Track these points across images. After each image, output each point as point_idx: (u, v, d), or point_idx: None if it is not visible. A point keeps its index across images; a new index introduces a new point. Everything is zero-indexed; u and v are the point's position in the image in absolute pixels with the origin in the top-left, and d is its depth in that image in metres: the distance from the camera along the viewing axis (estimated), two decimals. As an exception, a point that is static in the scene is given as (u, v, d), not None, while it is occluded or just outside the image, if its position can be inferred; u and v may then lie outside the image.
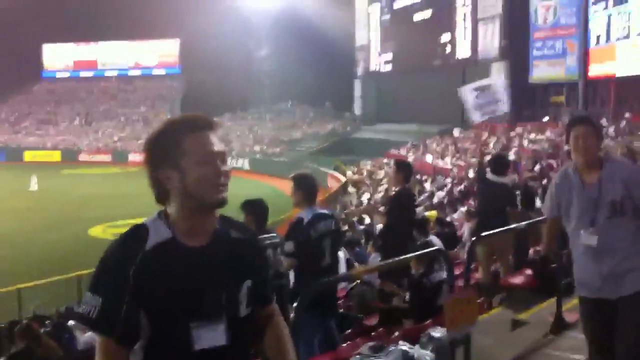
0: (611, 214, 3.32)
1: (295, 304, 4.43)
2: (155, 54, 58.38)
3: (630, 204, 3.33)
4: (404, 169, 7.11)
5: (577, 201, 3.38)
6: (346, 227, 12.50)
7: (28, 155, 48.36)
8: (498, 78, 8.25)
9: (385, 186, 20.95)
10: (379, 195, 19.44)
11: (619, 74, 24.19)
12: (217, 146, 1.92)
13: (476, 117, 7.76)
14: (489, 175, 7.15)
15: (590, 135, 3.40)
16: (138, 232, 1.89)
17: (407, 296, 5.72)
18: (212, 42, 47.92)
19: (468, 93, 7.75)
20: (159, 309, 1.83)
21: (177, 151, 1.88)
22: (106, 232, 21.09)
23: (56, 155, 48.58)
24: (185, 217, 1.91)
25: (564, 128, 3.20)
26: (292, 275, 4.96)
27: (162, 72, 58.22)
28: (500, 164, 7.24)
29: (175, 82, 56.87)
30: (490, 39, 31.30)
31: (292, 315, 4.25)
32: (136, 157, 46.40)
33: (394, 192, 7.09)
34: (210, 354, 1.86)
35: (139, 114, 54.58)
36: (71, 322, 8.35)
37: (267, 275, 2.12)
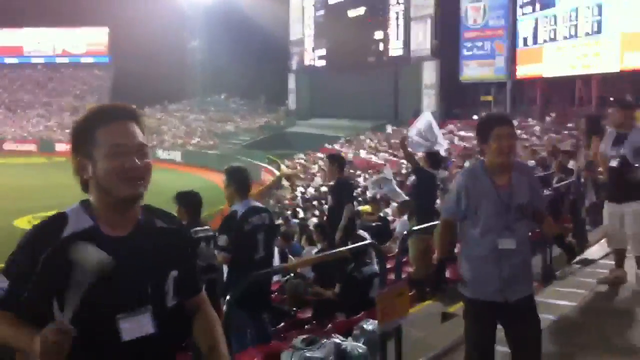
0: (518, 217, 3.30)
1: (227, 298, 4.41)
2: (84, 42, 56.69)
3: (530, 208, 3.35)
4: (337, 160, 7.24)
5: (488, 203, 3.29)
6: (280, 221, 12.49)
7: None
8: (429, 117, 8.67)
9: (319, 180, 21.06)
10: (311, 189, 19.52)
11: (546, 74, 25.06)
12: (133, 138, 1.84)
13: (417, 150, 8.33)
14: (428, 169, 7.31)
15: (513, 136, 3.35)
16: (56, 220, 1.83)
17: (337, 288, 5.76)
18: (143, 32, 46.86)
19: (413, 135, 8.46)
20: (74, 298, 1.76)
21: (90, 141, 1.82)
22: (32, 223, 20.35)
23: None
24: (103, 207, 1.85)
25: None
26: (225, 269, 4.92)
27: (90, 60, 56.62)
28: (435, 159, 7.44)
29: (104, 72, 55.44)
30: (422, 38, 31.85)
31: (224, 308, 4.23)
32: (63, 146, 45.09)
33: (331, 184, 7.18)
34: (139, 344, 1.81)
35: (66, 103, 52.97)
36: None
37: (194, 265, 2.07)
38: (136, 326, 1.82)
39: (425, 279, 6.21)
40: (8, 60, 57.23)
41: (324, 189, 18.61)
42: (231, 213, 4.86)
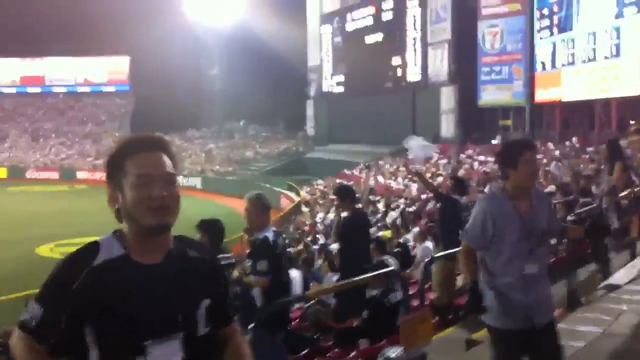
0: (540, 242, 3.31)
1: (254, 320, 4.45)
2: (105, 71, 57.50)
3: (549, 232, 3.37)
4: (346, 194, 7.22)
5: (513, 229, 3.27)
6: (301, 247, 12.48)
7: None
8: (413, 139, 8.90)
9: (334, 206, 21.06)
10: (330, 215, 19.49)
11: (565, 98, 24.96)
12: (160, 167, 1.87)
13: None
14: (453, 195, 7.34)
15: (537, 161, 3.37)
16: (88, 249, 1.88)
17: (365, 315, 5.74)
18: (163, 60, 47.44)
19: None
20: (107, 325, 1.80)
21: (120, 171, 1.86)
22: (54, 250, 20.53)
23: (2, 172, 47.23)
24: (134, 236, 1.88)
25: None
26: (257, 295, 4.92)
27: (111, 89, 57.36)
28: (461, 185, 7.51)
29: (124, 100, 56.10)
30: (440, 63, 31.92)
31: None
32: (84, 174, 45.56)
33: (344, 216, 7.14)
34: None
35: (87, 131, 53.62)
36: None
37: (226, 294, 2.08)
38: (164, 353, 1.83)
39: (449, 306, 6.18)
40: (30, 90, 58.15)
41: (344, 214, 18.58)
42: (264, 238, 4.90)
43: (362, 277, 5.65)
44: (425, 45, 33.04)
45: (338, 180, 26.01)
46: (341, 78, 40.99)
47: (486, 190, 14.77)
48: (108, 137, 51.04)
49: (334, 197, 23.64)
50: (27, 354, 1.86)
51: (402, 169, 25.72)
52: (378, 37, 37.27)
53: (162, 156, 1.90)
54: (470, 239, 3.46)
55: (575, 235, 3.89)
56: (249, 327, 4.62)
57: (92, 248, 1.88)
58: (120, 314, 1.81)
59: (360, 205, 7.97)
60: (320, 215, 20.20)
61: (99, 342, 1.81)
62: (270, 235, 4.92)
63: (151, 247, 1.89)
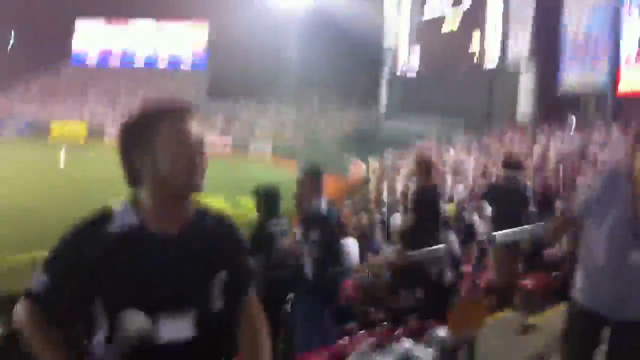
0: None
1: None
2: (184, 40, 58.18)
3: None
4: (425, 166, 6.95)
5: (619, 210, 3.13)
6: (365, 217, 12.39)
7: (55, 131, 48.64)
8: None
9: (405, 177, 20.78)
10: (399, 186, 19.31)
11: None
12: (195, 130, 1.87)
13: None
14: (503, 172, 7.10)
15: None
16: (102, 216, 1.84)
17: (419, 292, 5.61)
18: (241, 31, 47.96)
19: None
20: (119, 297, 1.75)
21: (151, 135, 1.84)
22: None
23: (82, 132, 48.93)
24: (157, 204, 1.84)
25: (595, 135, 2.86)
26: (308, 263, 4.91)
27: (189, 62, 58.20)
28: (512, 159, 7.24)
29: (202, 73, 56.88)
30: (521, 44, 31.07)
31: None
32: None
33: (416, 189, 6.92)
34: (176, 346, 1.78)
35: (167, 98, 54.80)
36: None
37: (245, 265, 2.02)
38: (175, 328, 1.78)
39: (506, 287, 5.96)
40: (111, 61, 59.63)
41: (411, 186, 18.33)
42: (317, 209, 4.88)
43: (419, 252, 5.50)
44: (505, 30, 32.17)
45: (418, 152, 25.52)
46: (417, 60, 40.54)
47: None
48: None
49: (403, 168, 23.46)
50: (33, 324, 1.82)
51: (477, 148, 25.25)
52: (456, 22, 36.50)
53: (193, 121, 1.89)
54: (578, 205, 3.38)
55: None
56: (298, 297, 4.59)
57: (106, 216, 1.83)
58: (131, 286, 1.75)
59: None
60: (386, 187, 20.02)
61: (108, 314, 1.76)
62: (322, 205, 4.90)
63: (170, 216, 1.85)
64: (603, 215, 3.17)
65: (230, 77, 48.70)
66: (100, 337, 1.78)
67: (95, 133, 48.07)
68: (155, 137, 1.83)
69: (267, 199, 5.57)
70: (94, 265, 1.75)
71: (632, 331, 3.10)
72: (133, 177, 1.88)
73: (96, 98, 55.32)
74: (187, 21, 56.74)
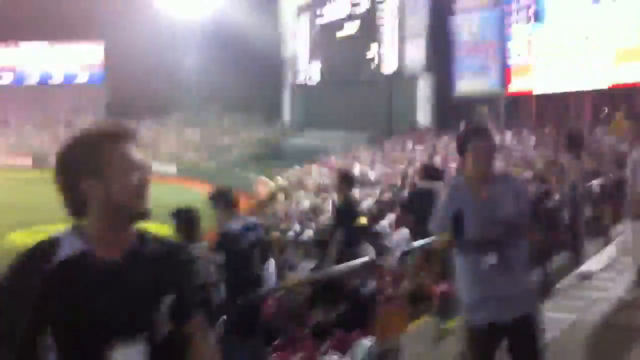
0: (506, 231, 3.22)
1: (220, 321, 4.36)
2: (79, 58, 56.44)
3: (522, 220, 3.28)
4: (347, 179, 7.11)
5: (472, 217, 3.20)
6: (277, 234, 12.44)
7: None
8: None
9: (312, 195, 21.00)
10: (306, 202, 19.47)
11: (538, 90, 25.18)
12: (140, 155, 1.88)
13: None
14: (419, 182, 7.30)
15: (491, 148, 3.32)
16: (47, 244, 1.80)
17: (342, 306, 5.71)
18: (138, 48, 46.87)
19: None
20: (68, 326, 1.73)
21: (100, 160, 1.81)
22: (26, 237, 20.29)
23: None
24: (103, 230, 1.83)
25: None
26: (222, 288, 4.89)
27: (85, 78, 56.41)
28: (433, 172, 7.46)
29: (99, 87, 55.24)
30: (416, 53, 32.03)
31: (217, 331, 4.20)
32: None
33: (338, 202, 7.04)
34: None
35: (61, 118, 52.87)
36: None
37: (191, 288, 2.03)
38: (127, 355, 1.78)
39: (424, 295, 6.17)
40: (3, 80, 56.99)
41: (318, 202, 18.57)
42: (226, 230, 4.85)
43: (339, 267, 5.61)
44: (401, 36, 33.10)
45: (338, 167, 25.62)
46: (317, 69, 40.94)
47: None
48: (82, 124, 50.37)
49: (310, 183, 23.68)
50: None
51: (379, 155, 25.82)
52: (354, 28, 37.21)
53: (135, 145, 1.90)
54: (436, 225, 3.40)
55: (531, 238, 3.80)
56: (217, 326, 4.56)
57: (52, 244, 1.80)
58: (80, 315, 1.74)
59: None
60: (294, 202, 20.16)
61: (59, 345, 1.74)
62: (234, 227, 4.87)
63: (116, 242, 1.84)
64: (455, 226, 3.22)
65: (129, 94, 47.52)
66: None
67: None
68: (104, 162, 1.81)
69: (187, 222, 5.48)
70: (41, 294, 1.72)
71: (517, 328, 3.25)
72: (77, 204, 1.85)
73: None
74: (81, 42, 55.04)
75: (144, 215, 1.86)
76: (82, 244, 1.81)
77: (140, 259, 1.86)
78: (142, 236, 1.93)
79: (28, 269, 1.76)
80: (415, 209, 7.34)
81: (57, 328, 1.74)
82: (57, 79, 56.62)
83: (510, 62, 26.70)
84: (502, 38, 27.04)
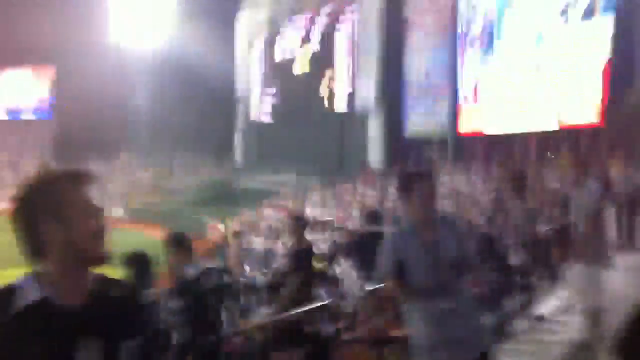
0: (454, 273, 3.27)
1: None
2: (25, 94, 55.23)
3: (465, 260, 3.32)
4: (302, 223, 7.12)
5: (418, 261, 3.25)
6: (227, 279, 12.26)
7: None
8: None
9: (265, 236, 20.89)
10: (259, 246, 19.35)
11: (486, 131, 25.75)
12: (98, 200, 1.90)
13: None
14: (365, 226, 7.41)
15: (435, 190, 3.37)
16: (3, 294, 1.79)
17: (301, 351, 5.66)
18: (85, 84, 46.27)
19: None
20: None
21: (60, 202, 1.81)
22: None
23: None
24: (62, 275, 1.82)
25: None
26: (174, 334, 4.82)
27: (31, 115, 55.28)
28: (375, 216, 7.59)
29: (44, 125, 54.21)
30: (367, 93, 32.43)
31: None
32: (2, 205, 43.70)
33: (292, 245, 7.02)
34: None
35: (4, 158, 51.58)
36: None
37: (150, 333, 2.06)
38: None
39: (382, 337, 6.17)
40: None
41: (271, 246, 18.46)
42: (181, 277, 4.80)
43: (296, 311, 5.57)
44: (353, 75, 33.56)
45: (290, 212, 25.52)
46: (269, 107, 41.09)
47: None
48: (27, 164, 49.16)
49: (263, 226, 23.55)
50: None
51: (331, 199, 25.91)
52: (306, 66, 37.60)
53: (93, 190, 1.91)
54: (385, 272, 3.41)
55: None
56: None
57: (8, 293, 1.78)
58: None
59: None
60: (246, 247, 19.99)
61: None
62: (191, 273, 4.84)
63: (74, 287, 1.83)
64: (408, 272, 3.27)
65: (77, 130, 46.63)
66: None
67: None
68: (64, 204, 1.81)
69: (140, 267, 5.40)
70: (2, 345, 1.69)
71: None
72: (36, 248, 1.83)
73: None
74: (29, 68, 53.68)
75: (103, 259, 1.87)
76: (39, 291, 1.78)
77: (101, 303, 1.86)
78: (102, 280, 1.92)
79: None
80: (359, 253, 7.44)
81: None
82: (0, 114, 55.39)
83: (460, 102, 27.31)
84: (452, 79, 27.71)
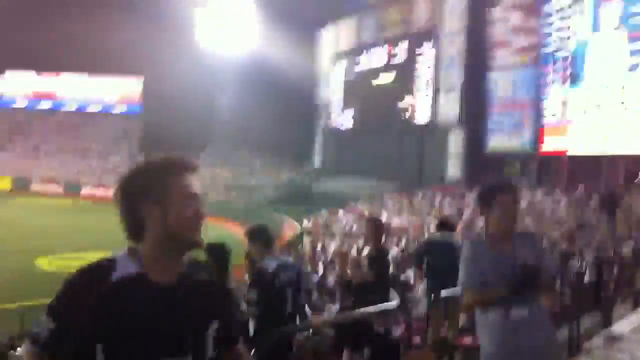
0: (528, 284, 3.23)
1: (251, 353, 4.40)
2: (117, 90, 57.84)
3: (541, 274, 3.26)
4: (380, 227, 7.15)
5: (495, 271, 3.25)
6: (303, 275, 12.43)
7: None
8: None
9: (338, 238, 21.02)
10: (332, 246, 19.47)
11: (571, 151, 25.06)
12: (199, 188, 1.97)
13: None
14: (437, 234, 7.41)
15: (516, 203, 3.36)
16: (104, 264, 1.90)
17: (367, 351, 5.72)
18: (175, 85, 47.90)
19: None
20: (119, 344, 1.81)
21: (161, 189, 1.92)
22: (52, 264, 20.52)
23: (7, 183, 47.41)
24: (157, 255, 1.92)
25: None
26: (251, 324, 4.94)
27: (122, 108, 57.65)
28: (445, 223, 7.59)
29: (134, 120, 56.37)
30: (449, 107, 32.18)
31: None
32: (88, 190, 45.70)
33: (372, 250, 7.06)
34: None
35: (95, 148, 53.88)
36: (13, 353, 8.07)
37: (234, 317, 2.14)
38: None
39: (451, 344, 6.16)
40: (42, 105, 58.55)
41: (345, 247, 18.54)
42: (261, 268, 4.92)
43: (365, 311, 5.64)
44: (436, 88, 33.36)
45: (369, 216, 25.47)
46: (350, 116, 41.33)
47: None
48: (116, 156, 51.27)
49: (337, 228, 23.71)
50: None
51: (407, 205, 25.80)
52: (389, 77, 37.64)
53: (195, 178, 2.00)
54: (467, 281, 3.41)
55: (547, 303, 3.78)
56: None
57: (108, 264, 1.90)
58: (132, 333, 1.83)
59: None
60: (320, 246, 20.16)
61: None
62: (270, 265, 4.95)
63: (168, 267, 1.94)
64: (485, 283, 3.26)
65: (163, 129, 48.20)
66: None
67: (20, 184, 46.82)
68: (165, 190, 1.91)
69: (219, 257, 5.56)
70: (97, 310, 1.81)
71: None
72: (136, 229, 1.95)
73: (23, 145, 53.88)
74: (120, 76, 56.37)
75: (196, 244, 1.95)
76: (136, 267, 1.91)
77: (191, 285, 1.96)
78: (192, 264, 2.03)
79: (84, 286, 1.85)
80: (428, 260, 7.45)
81: (108, 345, 1.82)
82: (94, 107, 58.01)
83: (545, 121, 26.71)
84: (537, 97, 27.12)
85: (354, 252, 16.58)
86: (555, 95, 26.18)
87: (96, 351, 1.82)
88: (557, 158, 27.06)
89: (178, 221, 1.91)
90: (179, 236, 1.92)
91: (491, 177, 26.33)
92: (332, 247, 19.44)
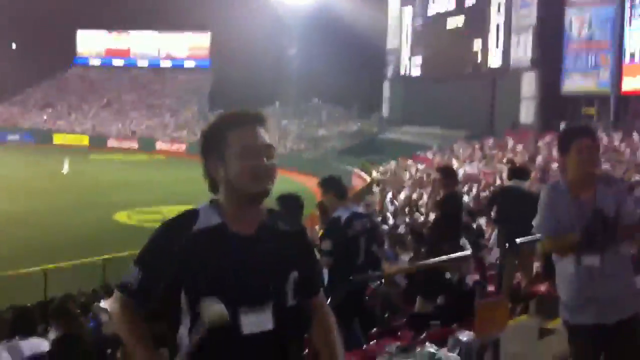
0: (608, 232, 3.14)
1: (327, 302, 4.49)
2: (186, 46, 58.69)
3: (624, 220, 3.17)
4: (450, 175, 7.05)
5: (574, 219, 3.17)
6: (375, 225, 12.49)
7: (57, 139, 48.91)
8: None
9: (408, 187, 20.93)
10: (402, 196, 19.45)
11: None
12: (261, 140, 1.99)
13: None
14: (509, 182, 7.27)
15: (596, 148, 3.26)
16: (188, 215, 1.98)
17: (440, 299, 5.73)
18: (243, 38, 48.02)
19: None
20: (203, 290, 1.89)
21: (222, 144, 1.98)
22: (131, 218, 21.26)
23: (84, 140, 49.16)
24: (233, 207, 1.99)
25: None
26: (325, 273, 5.02)
27: (192, 64, 58.55)
28: (521, 171, 7.43)
29: (204, 75, 57.12)
30: (523, 48, 31.04)
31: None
32: (162, 145, 46.91)
33: (442, 196, 7.00)
34: (257, 339, 1.92)
35: (167, 104, 55.03)
36: (97, 305, 8.44)
37: (314, 267, 2.19)
38: (257, 321, 1.93)
39: (525, 292, 6.10)
40: (115, 62, 60.05)
41: (414, 196, 18.50)
42: (335, 218, 4.98)
43: (437, 259, 5.63)
44: (508, 30, 32.16)
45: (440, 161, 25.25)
46: (419, 61, 40.34)
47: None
48: (187, 111, 52.26)
49: (406, 177, 23.59)
50: (125, 316, 1.97)
51: (479, 153, 25.36)
52: (459, 21, 36.42)
53: (262, 130, 2.02)
54: (544, 228, 3.35)
55: (631, 249, 3.65)
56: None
57: (192, 215, 1.99)
58: (215, 281, 1.90)
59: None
60: (390, 196, 20.16)
61: (193, 308, 1.91)
62: (343, 215, 4.98)
63: (246, 217, 2.00)
64: (561, 230, 3.20)
65: (232, 83, 48.70)
66: (184, 329, 1.94)
67: (97, 141, 48.47)
68: (225, 147, 1.97)
69: (292, 208, 5.63)
70: (181, 259, 1.90)
71: (620, 330, 3.19)
72: (212, 182, 2.04)
73: (99, 103, 55.56)
74: (188, 32, 57.02)
75: (261, 195, 1.99)
76: (218, 218, 1.98)
77: (271, 235, 2.01)
78: (272, 215, 2.08)
79: (169, 237, 1.95)
80: (501, 208, 7.30)
81: (192, 291, 1.91)
82: (165, 64, 59.11)
83: (624, 61, 25.50)
84: (617, 36, 25.85)
85: (423, 200, 16.54)
86: (635, 34, 24.89)
87: (181, 299, 1.91)
88: (636, 99, 25.91)
89: (236, 175, 1.96)
90: (239, 190, 1.97)
91: (566, 122, 25.54)
92: (402, 196, 19.41)
